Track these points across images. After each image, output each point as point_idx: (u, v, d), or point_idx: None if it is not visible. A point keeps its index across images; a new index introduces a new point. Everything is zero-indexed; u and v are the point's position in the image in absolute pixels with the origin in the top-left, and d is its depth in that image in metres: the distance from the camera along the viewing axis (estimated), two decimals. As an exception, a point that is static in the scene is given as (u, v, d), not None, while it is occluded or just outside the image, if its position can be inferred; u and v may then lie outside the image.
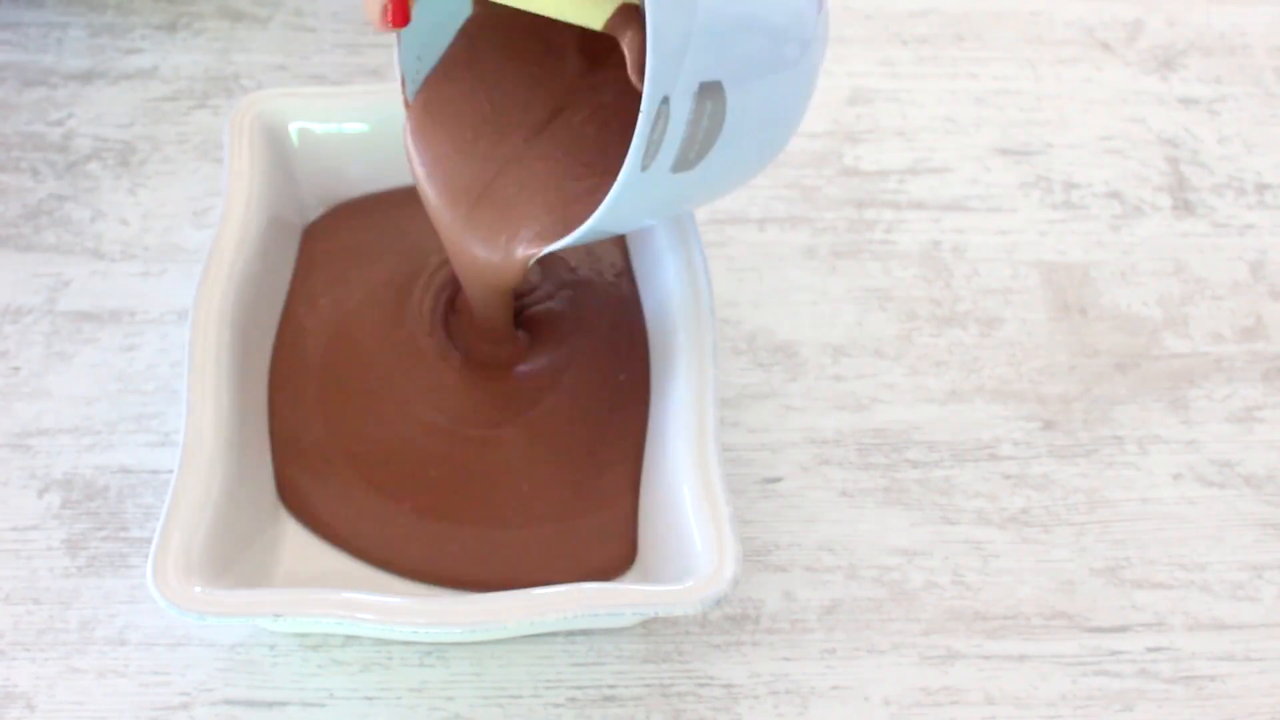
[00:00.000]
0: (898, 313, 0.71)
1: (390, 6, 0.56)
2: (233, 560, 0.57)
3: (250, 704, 0.57)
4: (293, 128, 0.70)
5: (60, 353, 0.67)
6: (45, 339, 0.68)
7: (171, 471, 0.61)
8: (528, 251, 0.59)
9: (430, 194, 0.61)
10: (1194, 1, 0.87)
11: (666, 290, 0.65)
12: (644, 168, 0.51)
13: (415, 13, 0.60)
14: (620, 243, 0.70)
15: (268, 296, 0.66)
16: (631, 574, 0.60)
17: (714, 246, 0.73)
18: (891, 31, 0.84)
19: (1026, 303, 0.72)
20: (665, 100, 0.50)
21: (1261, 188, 0.78)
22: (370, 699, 0.58)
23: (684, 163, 0.52)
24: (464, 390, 0.65)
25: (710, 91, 0.51)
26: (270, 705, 0.57)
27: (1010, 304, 0.72)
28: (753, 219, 0.74)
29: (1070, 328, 0.71)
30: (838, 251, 0.73)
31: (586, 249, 0.69)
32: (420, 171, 0.61)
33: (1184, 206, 0.77)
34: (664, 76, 0.50)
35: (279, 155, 0.70)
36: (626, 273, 0.69)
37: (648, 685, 0.58)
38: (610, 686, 0.58)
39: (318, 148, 0.71)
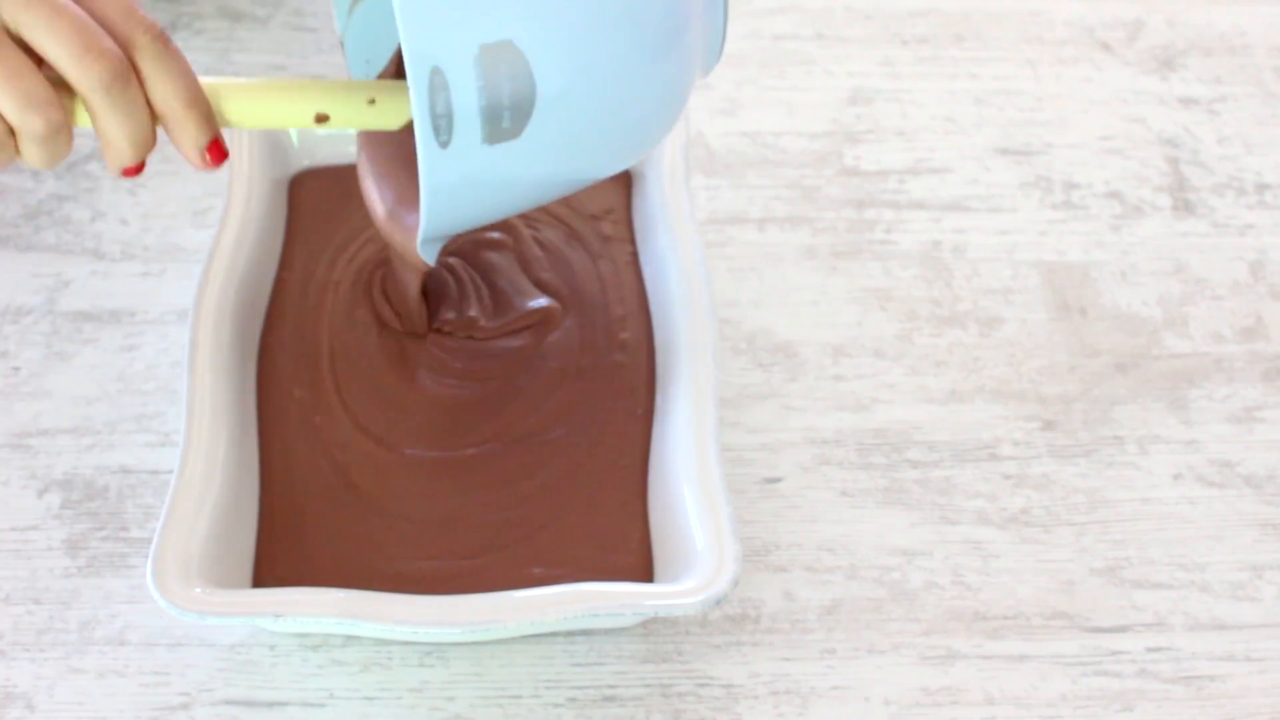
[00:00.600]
0: (898, 313, 0.71)
1: (211, 150, 0.54)
2: (232, 561, 0.57)
3: (250, 704, 0.57)
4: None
5: (60, 353, 0.67)
6: (45, 339, 0.68)
7: (171, 471, 0.61)
8: (411, 233, 0.58)
9: (368, 196, 0.61)
10: (1194, 1, 0.87)
11: (667, 291, 0.65)
12: (443, 144, 0.49)
13: (361, 15, 0.59)
14: (628, 236, 0.69)
15: (267, 295, 0.66)
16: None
17: (714, 246, 0.73)
18: (891, 31, 0.84)
19: (1026, 303, 0.72)
20: (437, 70, 0.47)
21: (1261, 188, 0.78)
22: (370, 699, 0.58)
23: (500, 133, 0.49)
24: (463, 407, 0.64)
25: (501, 53, 0.48)
26: (270, 705, 0.57)
27: (1010, 304, 0.72)
28: (753, 219, 0.74)
29: (1070, 328, 0.71)
30: (838, 251, 0.73)
31: (598, 247, 0.69)
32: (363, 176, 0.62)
33: (1184, 206, 0.77)
34: (423, 45, 0.47)
35: (279, 155, 0.70)
36: (634, 270, 0.68)
37: (648, 685, 0.58)
38: (610, 686, 0.58)
39: (318, 148, 0.71)
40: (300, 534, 0.59)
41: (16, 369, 0.67)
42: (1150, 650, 0.60)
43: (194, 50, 0.81)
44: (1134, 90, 0.82)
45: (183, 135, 0.52)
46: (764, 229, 0.74)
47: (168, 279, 0.70)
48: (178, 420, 0.64)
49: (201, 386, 0.59)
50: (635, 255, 0.68)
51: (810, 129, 0.79)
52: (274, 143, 0.69)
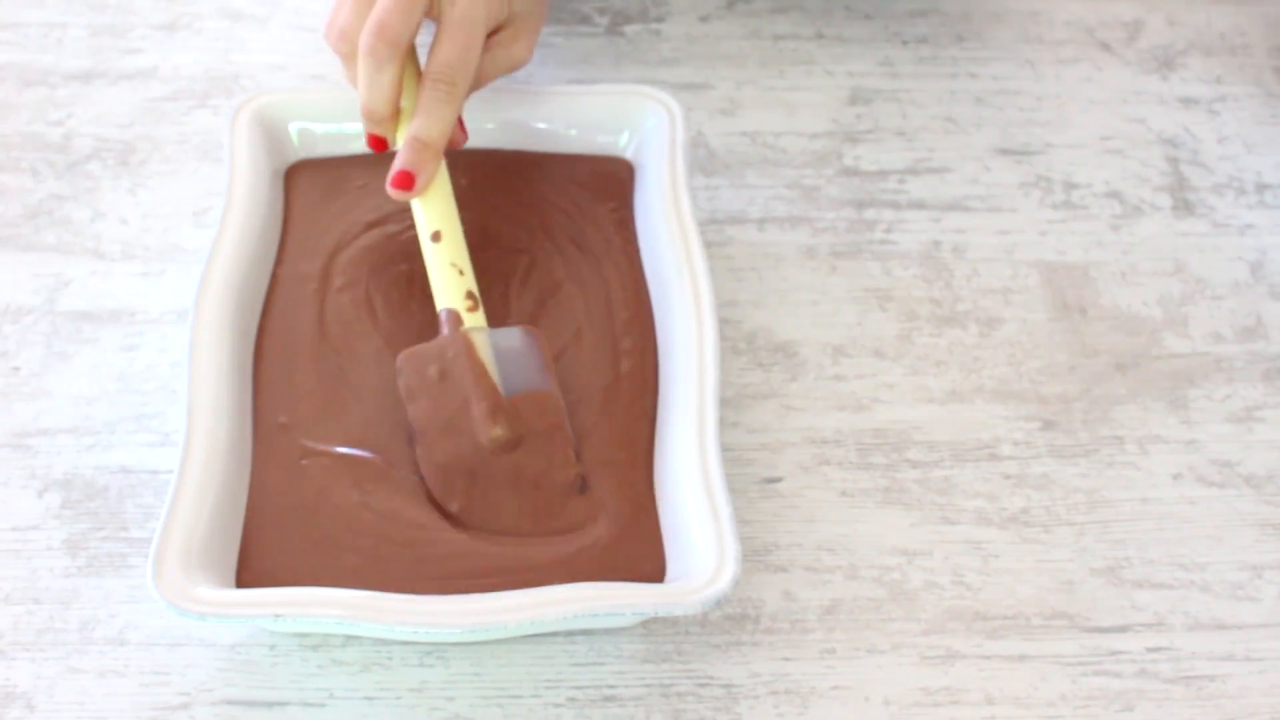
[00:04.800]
0: (898, 313, 0.71)
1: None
2: (232, 561, 0.57)
3: (250, 704, 0.57)
4: (293, 128, 0.70)
5: (60, 353, 0.67)
6: (45, 339, 0.68)
7: (171, 471, 0.61)
8: None
9: None
10: (1194, 1, 0.87)
11: (667, 290, 0.65)
12: None
13: None
14: (631, 232, 0.69)
15: (265, 293, 0.66)
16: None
17: (714, 246, 0.73)
18: (891, 31, 0.84)
19: (1026, 303, 0.72)
20: None
21: (1261, 188, 0.78)
22: (370, 699, 0.58)
23: None
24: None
25: None
26: (270, 705, 0.57)
27: (1010, 304, 0.72)
28: (753, 219, 0.74)
29: (1070, 328, 0.71)
30: (838, 251, 0.73)
31: (603, 246, 0.69)
32: None
33: (1184, 206, 0.77)
34: None
35: (279, 155, 0.70)
36: (636, 266, 0.68)
37: (648, 685, 0.58)
38: (610, 686, 0.58)
39: (317, 148, 0.71)
40: (285, 549, 0.58)
41: (16, 369, 0.67)
42: (1150, 650, 0.60)
43: (194, 50, 0.81)
44: (1134, 90, 0.82)
45: (407, 157, 0.62)
46: (764, 229, 0.74)
47: (168, 279, 0.70)
48: (178, 420, 0.64)
49: (201, 387, 0.59)
50: (637, 251, 0.68)
51: (810, 129, 0.79)
52: (272, 138, 0.69)
